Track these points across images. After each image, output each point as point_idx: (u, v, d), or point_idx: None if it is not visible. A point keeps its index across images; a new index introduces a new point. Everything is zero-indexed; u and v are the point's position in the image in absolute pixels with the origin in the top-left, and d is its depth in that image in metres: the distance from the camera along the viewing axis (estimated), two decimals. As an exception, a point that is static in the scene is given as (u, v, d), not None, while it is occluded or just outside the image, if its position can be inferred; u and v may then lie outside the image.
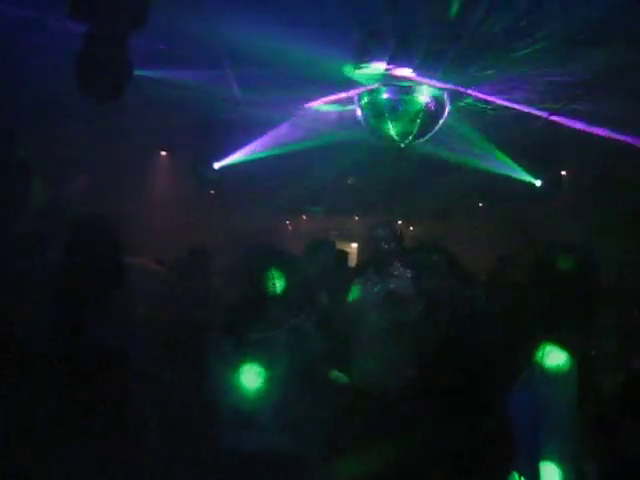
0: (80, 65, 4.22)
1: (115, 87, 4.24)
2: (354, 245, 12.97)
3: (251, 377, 3.25)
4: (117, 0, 4.03)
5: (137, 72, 4.47)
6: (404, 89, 6.09)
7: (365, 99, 6.34)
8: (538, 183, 9.31)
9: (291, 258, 3.60)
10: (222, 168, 9.23)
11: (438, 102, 6.21)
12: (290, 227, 14.05)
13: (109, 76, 4.19)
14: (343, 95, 6.83)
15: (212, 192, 10.77)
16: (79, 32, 4.28)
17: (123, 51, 4.16)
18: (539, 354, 2.49)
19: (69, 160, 8.69)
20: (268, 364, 3.28)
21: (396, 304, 4.78)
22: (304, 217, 14.13)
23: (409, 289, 4.90)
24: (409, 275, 4.99)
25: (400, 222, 14.25)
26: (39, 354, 3.56)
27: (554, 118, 7.35)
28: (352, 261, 9.60)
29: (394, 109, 6.22)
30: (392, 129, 6.38)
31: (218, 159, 9.19)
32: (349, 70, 5.98)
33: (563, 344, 2.49)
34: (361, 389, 4.72)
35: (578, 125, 7.36)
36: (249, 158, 8.92)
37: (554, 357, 2.46)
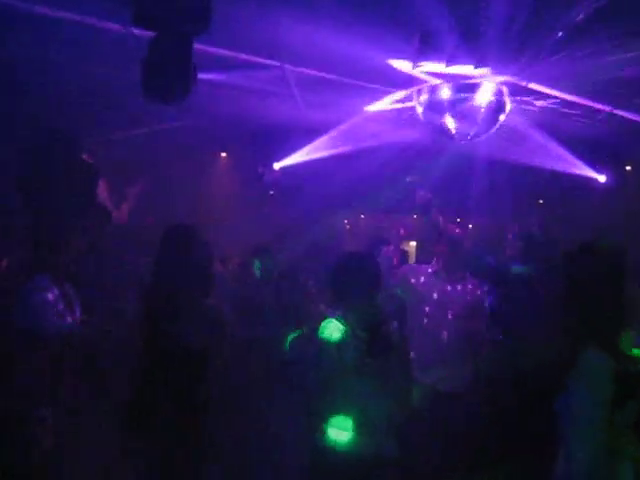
0: (145, 69, 4.32)
1: (180, 90, 4.32)
2: (412, 243, 12.90)
3: (340, 431, 3.27)
4: (181, 5, 4.10)
5: (200, 75, 4.54)
6: (464, 86, 6.03)
7: (424, 96, 6.30)
8: (602, 179, 9.08)
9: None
10: (282, 168, 9.31)
11: (499, 98, 6.12)
12: (348, 226, 14.05)
13: (174, 79, 4.27)
14: (402, 93, 6.80)
15: (271, 192, 10.87)
16: (144, 37, 4.40)
17: (187, 55, 4.24)
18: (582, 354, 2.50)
19: (132, 162, 8.88)
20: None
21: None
22: (362, 216, 14.12)
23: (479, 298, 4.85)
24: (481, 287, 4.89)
25: (459, 220, 14.06)
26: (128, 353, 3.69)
27: (618, 112, 7.19)
28: (411, 259, 9.59)
29: (454, 106, 6.16)
30: (452, 126, 6.32)
31: (278, 160, 9.27)
32: (408, 68, 5.95)
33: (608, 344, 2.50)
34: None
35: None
36: (308, 158, 8.97)
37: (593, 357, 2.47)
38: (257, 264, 5.99)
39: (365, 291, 3.49)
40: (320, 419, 3.32)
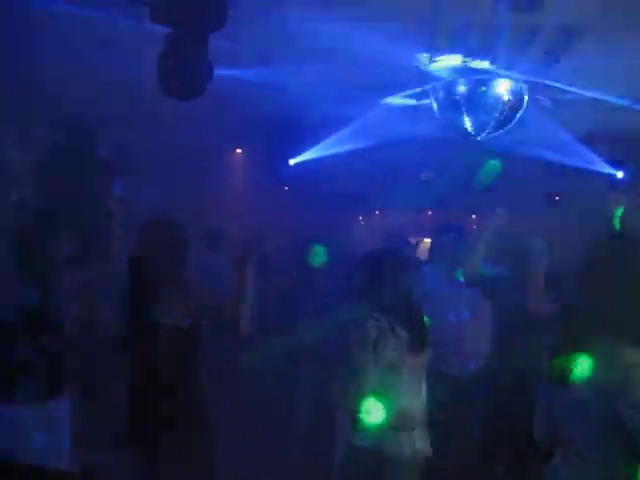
0: (162, 65, 4.33)
1: (196, 86, 4.33)
2: (428, 240, 12.84)
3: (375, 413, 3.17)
4: (197, 1, 4.10)
5: (216, 71, 4.55)
6: (481, 81, 5.98)
7: (441, 92, 6.25)
8: (620, 175, 8.99)
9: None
10: (297, 164, 9.28)
11: (516, 94, 6.06)
12: (363, 222, 14.03)
13: (190, 76, 4.28)
14: (419, 89, 6.77)
15: (286, 188, 10.86)
16: (160, 33, 4.40)
17: (204, 51, 4.25)
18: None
19: (146, 159, 8.90)
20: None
21: None
22: (377, 212, 14.08)
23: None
24: None
25: (474, 216, 14.02)
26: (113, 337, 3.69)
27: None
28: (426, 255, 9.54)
29: (470, 102, 6.11)
30: (468, 122, 6.26)
31: (293, 156, 9.24)
32: (425, 63, 5.92)
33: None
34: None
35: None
36: (324, 154, 8.93)
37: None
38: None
39: (400, 286, 3.40)
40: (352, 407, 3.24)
